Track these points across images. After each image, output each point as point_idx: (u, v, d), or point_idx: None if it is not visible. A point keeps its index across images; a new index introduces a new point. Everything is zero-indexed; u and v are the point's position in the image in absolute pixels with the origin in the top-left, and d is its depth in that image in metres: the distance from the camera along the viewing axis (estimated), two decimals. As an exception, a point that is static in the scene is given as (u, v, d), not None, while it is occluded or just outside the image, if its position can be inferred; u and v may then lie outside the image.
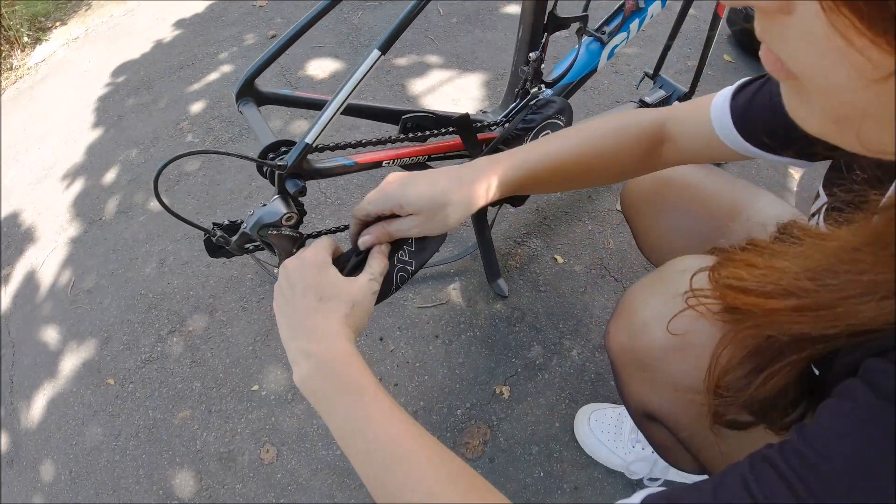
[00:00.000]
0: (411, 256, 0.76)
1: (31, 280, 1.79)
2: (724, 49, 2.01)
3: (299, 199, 0.89)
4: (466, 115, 1.06)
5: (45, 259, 1.81)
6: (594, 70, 1.39)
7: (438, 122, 1.11)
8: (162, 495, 1.31)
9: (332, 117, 0.84)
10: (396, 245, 0.73)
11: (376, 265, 0.66)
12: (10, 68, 2.64)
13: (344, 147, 0.96)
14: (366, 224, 0.70)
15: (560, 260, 1.50)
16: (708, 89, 1.68)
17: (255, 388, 1.39)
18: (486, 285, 1.47)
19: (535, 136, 1.19)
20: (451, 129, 1.11)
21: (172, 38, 2.43)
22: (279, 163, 0.84)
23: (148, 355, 1.50)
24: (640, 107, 1.67)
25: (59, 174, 2.05)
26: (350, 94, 0.84)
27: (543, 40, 1.17)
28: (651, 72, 1.67)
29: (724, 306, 0.50)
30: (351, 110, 1.08)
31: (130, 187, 1.88)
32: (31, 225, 1.94)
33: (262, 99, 1.01)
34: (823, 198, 0.60)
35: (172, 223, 1.73)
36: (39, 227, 1.92)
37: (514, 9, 2.20)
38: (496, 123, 1.20)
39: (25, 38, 2.69)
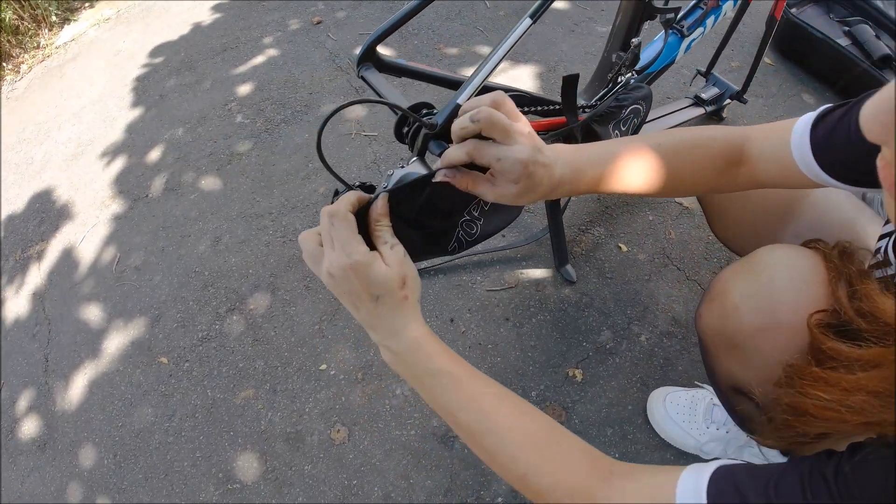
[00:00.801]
0: (481, 215, 0.72)
1: (68, 257, 1.68)
2: (766, 52, 2.01)
3: None
4: (576, 75, 1.00)
5: (85, 235, 1.70)
6: (673, 62, 1.35)
7: (534, 101, 1.06)
8: (221, 478, 1.21)
9: (482, 81, 0.79)
10: (464, 201, 0.68)
11: (382, 232, 0.58)
12: (37, 46, 2.50)
13: None
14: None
15: (624, 248, 1.46)
16: (754, 90, 1.66)
17: (323, 367, 1.31)
18: (553, 270, 1.41)
19: (626, 115, 1.16)
20: (556, 108, 1.07)
21: (212, 21, 2.33)
22: (430, 121, 0.77)
23: (205, 333, 1.41)
24: (696, 103, 1.65)
25: (97, 151, 1.93)
26: (501, 59, 0.80)
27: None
28: (704, 70, 1.66)
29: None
30: (446, 81, 1.02)
31: (178, 165, 1.78)
32: (68, 201, 1.83)
33: (383, 66, 0.94)
34: (893, 225, 0.63)
35: (225, 202, 1.64)
36: (77, 203, 1.80)
37: (561, 4, 2.16)
38: (590, 106, 1.15)
39: (53, 18, 2.56)
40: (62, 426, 1.36)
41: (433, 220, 0.69)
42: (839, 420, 0.45)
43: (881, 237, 0.68)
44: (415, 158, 0.78)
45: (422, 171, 0.75)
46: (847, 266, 0.63)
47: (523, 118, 0.58)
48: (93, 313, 1.52)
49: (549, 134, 1.00)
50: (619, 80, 1.23)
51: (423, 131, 0.78)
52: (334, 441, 1.21)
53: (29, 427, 1.40)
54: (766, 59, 1.96)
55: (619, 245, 1.46)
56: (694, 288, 1.39)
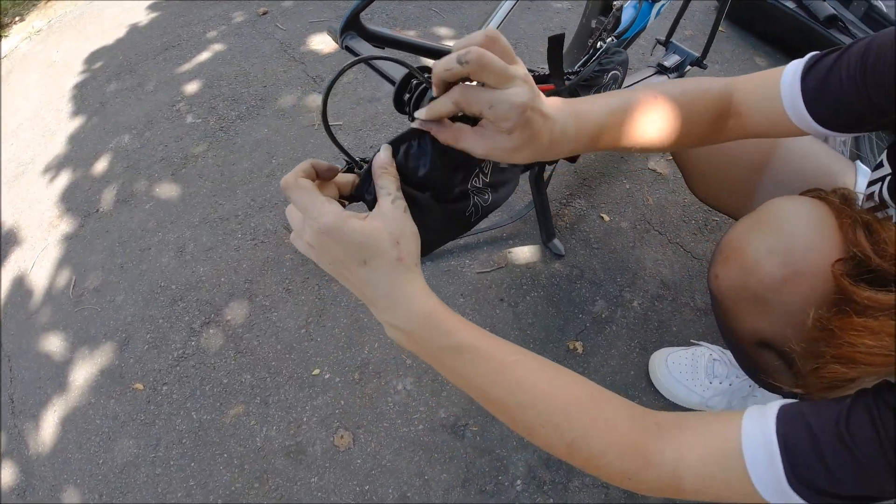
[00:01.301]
0: (485, 186, 0.66)
1: (20, 286, 1.47)
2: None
3: None
4: (562, 35, 0.91)
5: (36, 260, 1.49)
6: (644, 27, 1.29)
7: None
8: None
9: (504, 18, 0.69)
10: (467, 170, 0.61)
11: (385, 181, 0.49)
12: (-42, 66, 2.21)
13: None
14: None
15: (606, 218, 1.39)
16: (709, 56, 1.62)
17: (316, 371, 1.18)
18: (540, 246, 1.33)
19: (607, 81, 1.09)
20: (539, 75, 0.98)
21: (149, 22, 2.09)
22: None
23: (181, 352, 1.25)
24: (659, 70, 1.60)
25: (38, 169, 1.70)
26: (507, 14, 0.69)
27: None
28: (663, 39, 1.62)
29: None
30: (434, 52, 0.92)
31: (129, 175, 1.58)
32: (13, 226, 1.60)
33: (367, 35, 0.82)
34: (887, 168, 0.62)
35: (185, 208, 1.47)
36: (23, 227, 1.58)
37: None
38: (574, 72, 1.07)
39: (-25, 34, 2.26)
40: (39, 470, 1.18)
41: (442, 190, 0.59)
42: (889, 363, 0.43)
43: (871, 182, 0.67)
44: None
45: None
46: (857, 212, 0.62)
47: (519, 60, 0.48)
48: (54, 344, 1.33)
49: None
50: (599, 45, 1.15)
51: (429, 94, 0.67)
52: (339, 448, 1.10)
53: (5, 475, 1.20)
54: (720, 28, 1.94)
55: (602, 215, 1.39)
56: (677, 250, 1.34)
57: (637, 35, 1.28)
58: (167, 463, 1.13)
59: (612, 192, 1.43)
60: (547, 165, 1.25)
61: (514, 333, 1.21)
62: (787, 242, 0.63)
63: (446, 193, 0.62)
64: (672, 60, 1.60)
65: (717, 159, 0.93)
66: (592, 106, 0.55)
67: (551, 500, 1.04)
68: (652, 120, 0.59)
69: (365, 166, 0.56)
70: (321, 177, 0.49)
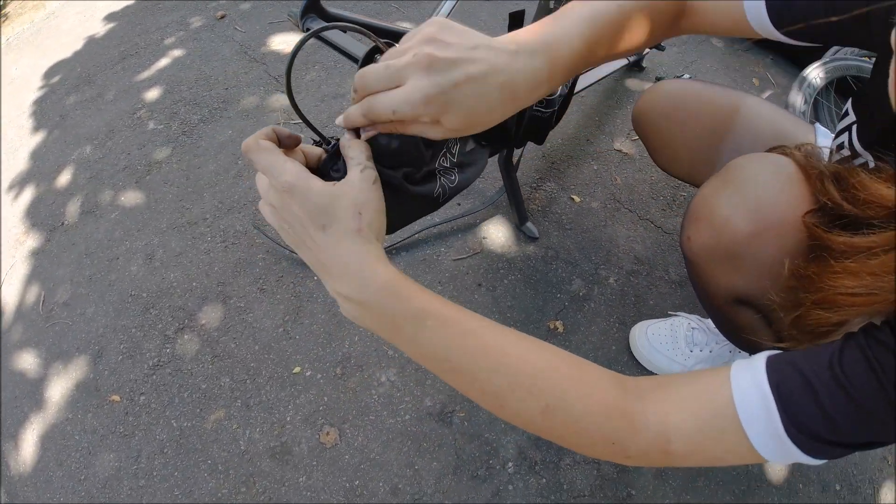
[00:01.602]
0: (453, 165, 0.63)
1: (-12, 305, 1.38)
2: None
3: None
4: (522, 11, 0.88)
5: (3, 278, 1.40)
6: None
7: None
8: (208, 511, 1.02)
9: (452, 8, 0.66)
10: (437, 147, 0.58)
11: (355, 151, 0.46)
12: None
13: None
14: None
15: (577, 199, 1.37)
16: (668, 39, 1.61)
17: (297, 370, 1.13)
18: (514, 230, 1.30)
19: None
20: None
21: (106, 32, 2.00)
22: None
23: (156, 360, 1.18)
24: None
25: (2, 187, 1.61)
26: (455, 4, 0.67)
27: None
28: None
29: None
30: (393, 34, 0.88)
31: (92, 185, 1.50)
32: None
33: (328, 17, 0.78)
34: (852, 116, 0.62)
35: (151, 215, 1.39)
36: (-12, 247, 1.49)
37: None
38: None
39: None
40: (22, 491, 1.11)
41: (414, 166, 0.56)
42: (872, 303, 0.42)
43: (839, 133, 0.66)
44: None
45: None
46: (821, 163, 0.61)
47: (414, 40, 0.43)
48: (27, 362, 1.25)
49: None
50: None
51: None
52: (325, 445, 1.05)
53: (-14, 499, 1.13)
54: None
55: (572, 196, 1.37)
56: (648, 226, 1.33)
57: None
58: (150, 474, 1.07)
59: (581, 174, 1.41)
60: (515, 149, 1.22)
61: (494, 317, 1.17)
62: (754, 197, 0.62)
63: (415, 173, 0.58)
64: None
65: (678, 129, 0.92)
66: (558, 35, 0.48)
67: (544, 480, 1.02)
68: (622, 37, 0.54)
69: (333, 142, 0.52)
70: (283, 144, 0.46)
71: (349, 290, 0.44)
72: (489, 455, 1.04)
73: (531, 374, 0.45)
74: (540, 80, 0.46)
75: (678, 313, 1.14)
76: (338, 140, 0.52)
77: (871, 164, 0.57)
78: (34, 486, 1.11)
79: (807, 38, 0.58)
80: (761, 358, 0.45)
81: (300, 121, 0.59)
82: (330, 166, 0.50)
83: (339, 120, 0.47)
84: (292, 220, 0.44)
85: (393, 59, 0.43)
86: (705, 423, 0.44)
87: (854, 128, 0.61)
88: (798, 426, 0.41)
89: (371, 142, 0.49)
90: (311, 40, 1.77)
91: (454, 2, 0.69)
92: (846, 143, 0.63)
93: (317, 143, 0.64)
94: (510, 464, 1.03)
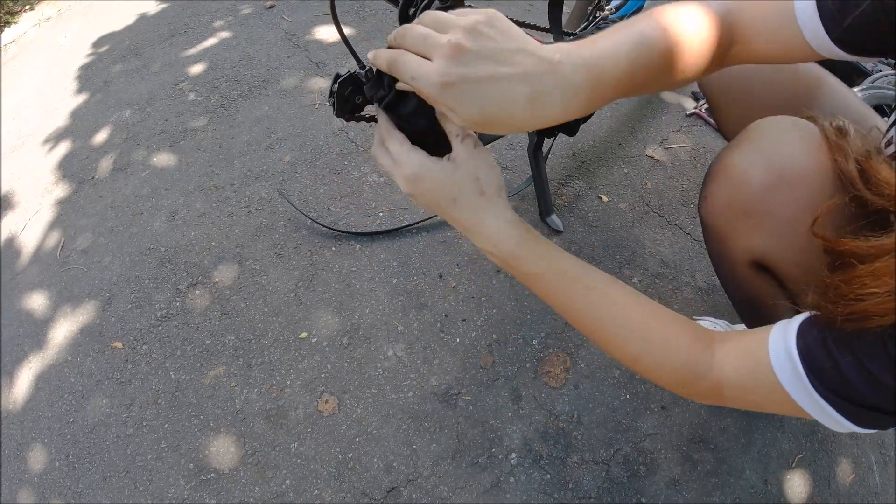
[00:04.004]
0: None
1: (9, 247, 1.38)
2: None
3: None
4: None
5: (27, 223, 1.40)
6: (642, 7, 1.26)
7: (520, 24, 0.93)
8: (193, 469, 0.97)
9: None
10: None
11: (451, 126, 0.50)
12: (-30, 52, 2.16)
13: None
14: None
15: (605, 199, 1.33)
16: None
17: (304, 335, 1.09)
18: (538, 222, 1.26)
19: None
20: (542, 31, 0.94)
21: (158, 11, 2.06)
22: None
23: (164, 312, 1.16)
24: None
25: (38, 140, 1.63)
26: None
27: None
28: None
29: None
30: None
31: (127, 145, 1.51)
32: (8, 192, 1.51)
33: None
34: None
35: (181, 176, 1.39)
36: (17, 193, 1.50)
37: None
38: (573, 34, 1.03)
39: (-11, 21, 2.23)
40: (7, 428, 1.08)
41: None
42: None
43: (889, 128, 0.63)
44: None
45: None
46: (847, 142, 0.58)
47: (464, 20, 0.42)
48: (37, 302, 1.24)
49: None
50: (598, 14, 1.13)
51: (435, 3, 0.62)
52: (322, 413, 1.00)
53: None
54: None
55: (600, 196, 1.33)
56: (676, 232, 1.28)
57: (636, 12, 1.25)
58: (139, 424, 1.03)
59: (611, 176, 1.38)
60: (546, 138, 1.20)
61: (510, 304, 1.13)
62: (770, 150, 0.61)
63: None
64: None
65: (754, 96, 0.84)
66: (606, 53, 0.45)
67: (548, 476, 0.95)
68: (668, 67, 0.49)
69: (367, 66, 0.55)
70: None
71: (489, 247, 0.51)
72: (492, 443, 0.97)
73: (630, 327, 0.53)
74: (577, 101, 0.43)
75: (702, 318, 1.09)
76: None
77: None
78: (20, 425, 1.08)
79: (862, 47, 0.52)
80: (798, 320, 0.47)
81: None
82: (375, 90, 0.53)
83: (371, 55, 0.49)
84: (426, 201, 0.51)
85: (439, 28, 0.43)
86: (748, 379, 0.49)
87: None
88: (827, 387, 0.43)
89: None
90: (352, 12, 1.78)
91: None
92: (893, 136, 0.60)
93: (350, 72, 0.63)
94: (513, 454, 0.97)
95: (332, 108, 0.68)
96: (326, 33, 1.76)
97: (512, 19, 0.87)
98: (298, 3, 1.94)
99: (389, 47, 0.47)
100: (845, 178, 0.54)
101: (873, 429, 0.45)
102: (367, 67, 0.64)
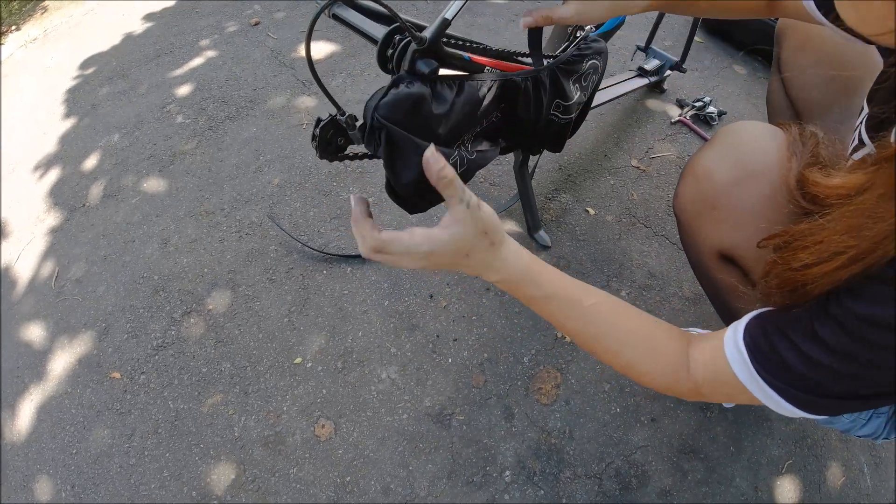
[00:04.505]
0: (470, 150, 0.75)
1: (4, 278, 1.39)
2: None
3: None
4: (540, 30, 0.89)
5: (21, 253, 1.41)
6: (622, 22, 1.27)
7: (499, 53, 0.95)
8: (196, 497, 0.99)
9: (461, 7, 0.67)
10: (457, 132, 0.71)
11: (450, 191, 0.51)
12: (-46, 74, 2.15)
13: (465, 44, 0.79)
14: None
15: (592, 211, 1.34)
16: (688, 65, 1.60)
17: (298, 360, 1.11)
18: (526, 238, 1.28)
19: (586, 70, 1.06)
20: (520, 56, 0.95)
21: (144, 31, 2.06)
22: (421, 35, 0.62)
23: (160, 341, 1.17)
24: (640, 74, 1.59)
25: (29, 167, 1.63)
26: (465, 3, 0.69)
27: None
28: (643, 45, 1.61)
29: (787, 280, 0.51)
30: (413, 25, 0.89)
31: (116, 171, 1.51)
32: (2, 220, 1.53)
33: (352, 4, 0.79)
34: (866, 109, 0.64)
35: (171, 202, 1.40)
36: (11, 223, 1.50)
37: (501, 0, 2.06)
38: (554, 56, 1.04)
39: (-28, 44, 2.21)
40: (13, 460, 1.09)
41: (437, 140, 0.66)
42: (827, 272, 0.45)
43: (856, 129, 0.67)
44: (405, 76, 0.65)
45: (422, 89, 0.64)
46: (806, 149, 0.63)
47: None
48: (34, 333, 1.25)
49: (519, 74, 0.87)
50: (579, 34, 1.13)
51: (412, 47, 0.63)
52: (320, 438, 1.02)
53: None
54: (696, 38, 1.94)
55: (587, 209, 1.35)
56: (663, 243, 1.29)
57: (616, 28, 1.26)
58: (141, 453, 1.04)
59: (597, 188, 1.39)
60: (531, 156, 1.21)
61: (500, 322, 1.15)
62: (737, 151, 0.67)
63: (447, 139, 0.69)
64: (652, 64, 1.59)
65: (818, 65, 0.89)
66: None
67: (542, 492, 0.97)
68: None
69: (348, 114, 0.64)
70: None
71: (498, 278, 0.57)
72: (486, 461, 1.00)
73: (620, 340, 0.60)
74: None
75: (692, 329, 1.10)
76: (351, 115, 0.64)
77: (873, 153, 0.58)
78: (25, 456, 1.09)
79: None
80: (749, 316, 0.53)
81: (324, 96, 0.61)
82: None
83: (528, 20, 0.76)
84: (441, 264, 0.55)
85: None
86: (713, 374, 0.55)
87: (864, 119, 0.62)
88: (769, 373, 0.49)
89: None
90: (334, 45, 1.79)
91: (462, 1, 0.69)
92: (856, 137, 0.64)
93: (332, 116, 0.65)
94: (507, 472, 0.99)
95: (315, 150, 0.70)
96: (313, 50, 1.77)
97: (489, 47, 0.88)
98: (284, 20, 1.94)
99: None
100: (787, 184, 0.60)
101: (819, 413, 0.49)
102: (347, 114, 0.66)
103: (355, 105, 1.59)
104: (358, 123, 0.67)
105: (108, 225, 1.39)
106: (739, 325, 0.53)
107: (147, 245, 1.33)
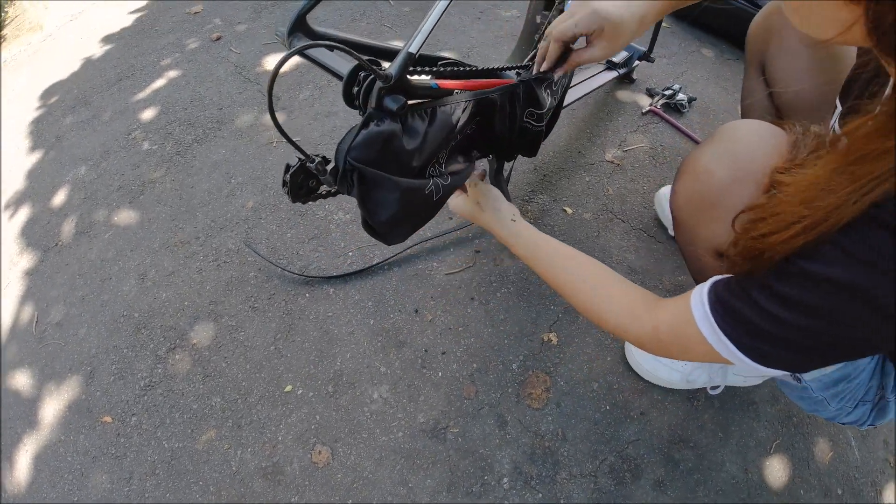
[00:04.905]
0: (440, 175, 0.78)
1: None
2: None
3: None
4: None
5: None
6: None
7: (471, 73, 0.94)
8: (199, 533, 0.99)
9: (432, 28, 0.65)
10: (430, 155, 0.73)
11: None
12: None
13: (434, 71, 0.78)
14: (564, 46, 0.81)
15: (569, 211, 1.35)
16: (657, 51, 1.60)
17: (289, 388, 1.11)
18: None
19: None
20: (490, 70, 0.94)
21: (103, 54, 1.99)
22: (386, 72, 0.61)
23: (147, 381, 1.16)
24: (609, 67, 1.58)
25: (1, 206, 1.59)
26: (441, 15, 0.68)
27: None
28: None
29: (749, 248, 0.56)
30: (383, 51, 0.87)
31: (86, 205, 1.48)
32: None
33: (315, 36, 0.78)
34: (839, 107, 0.68)
35: (145, 234, 1.38)
36: (-17, 266, 1.47)
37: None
38: (523, 66, 1.02)
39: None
40: None
41: (411, 173, 0.69)
42: (784, 239, 0.49)
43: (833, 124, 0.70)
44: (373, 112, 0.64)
45: (392, 126, 0.64)
46: (804, 148, 0.64)
47: None
48: (21, 382, 1.23)
49: (496, 90, 0.86)
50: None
51: (378, 85, 0.62)
52: (317, 464, 1.02)
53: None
54: (663, 24, 1.93)
55: (564, 208, 1.35)
56: (641, 236, 1.30)
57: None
58: (142, 496, 1.04)
59: (573, 186, 1.40)
60: (506, 162, 1.20)
61: (487, 331, 1.15)
62: (736, 150, 0.68)
63: (419, 168, 0.71)
64: (621, 56, 1.58)
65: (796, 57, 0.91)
66: None
67: (540, 495, 0.99)
68: None
69: (318, 159, 0.65)
70: None
71: (500, 237, 0.86)
72: (484, 471, 1.01)
73: (593, 293, 0.72)
74: (642, 14, 0.76)
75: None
76: (323, 157, 0.65)
77: None
78: (25, 509, 1.08)
79: None
80: (715, 278, 0.58)
81: (286, 140, 0.60)
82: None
83: (543, 66, 0.85)
84: (467, 216, 0.92)
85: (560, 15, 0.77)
86: (677, 323, 0.60)
87: (838, 115, 0.65)
88: (729, 325, 0.53)
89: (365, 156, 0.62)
90: (299, 60, 1.76)
91: (437, 19, 0.68)
92: (832, 126, 0.68)
93: (300, 160, 0.63)
94: (505, 479, 1.00)
95: (287, 195, 0.69)
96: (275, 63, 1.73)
97: (460, 63, 0.88)
98: (245, 33, 1.90)
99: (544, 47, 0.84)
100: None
101: (773, 366, 0.53)
102: (317, 160, 0.65)
103: (324, 118, 1.56)
104: (329, 166, 0.66)
105: (83, 263, 1.37)
106: (706, 284, 0.58)
107: (124, 282, 1.31)
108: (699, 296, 0.57)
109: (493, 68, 0.96)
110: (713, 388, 1.06)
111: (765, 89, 0.99)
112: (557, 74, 0.86)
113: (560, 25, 0.77)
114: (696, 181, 0.72)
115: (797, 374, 0.78)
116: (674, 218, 0.80)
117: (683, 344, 0.59)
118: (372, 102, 0.64)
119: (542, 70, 0.84)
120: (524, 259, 0.83)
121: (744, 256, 0.55)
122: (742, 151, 0.67)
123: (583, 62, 0.81)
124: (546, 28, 1.06)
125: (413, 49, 0.64)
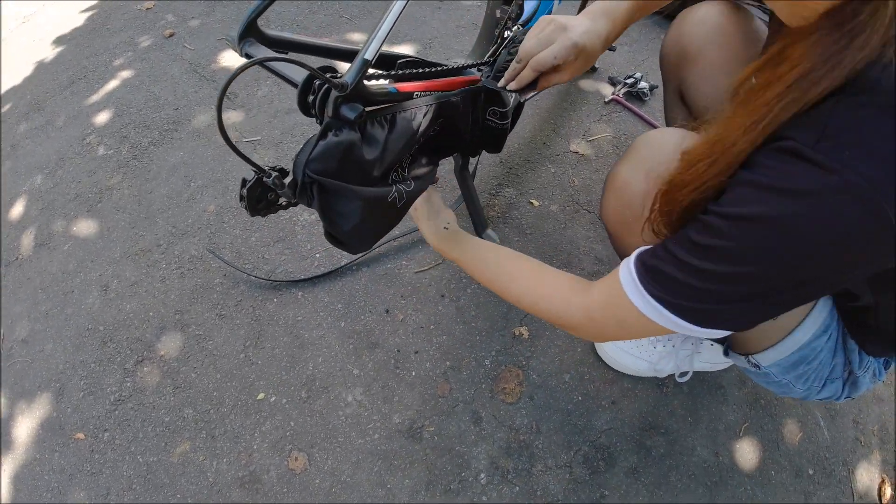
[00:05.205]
0: (403, 180, 0.78)
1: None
2: None
3: None
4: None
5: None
6: (550, 11, 1.24)
7: (425, 66, 0.92)
8: (179, 546, 0.99)
9: (388, 32, 0.64)
10: (388, 167, 0.73)
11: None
12: None
13: (392, 75, 0.78)
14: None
15: (536, 203, 1.35)
16: (619, 40, 1.59)
17: (261, 396, 1.10)
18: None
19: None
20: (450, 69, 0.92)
21: (55, 56, 1.91)
22: (341, 80, 0.59)
23: (117, 395, 1.14)
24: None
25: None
26: (405, 6, 0.66)
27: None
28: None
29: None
30: (339, 52, 0.85)
31: (44, 216, 1.43)
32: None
33: (267, 41, 0.75)
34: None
35: (105, 244, 1.34)
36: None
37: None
38: (485, 63, 1.01)
39: None
40: None
41: (372, 182, 0.69)
42: (693, 178, 0.52)
43: None
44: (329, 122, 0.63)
45: (351, 136, 0.63)
46: None
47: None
48: (-12, 403, 1.19)
49: (459, 92, 0.85)
50: (507, 34, 1.11)
51: (333, 94, 0.60)
52: (294, 471, 1.02)
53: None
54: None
55: (531, 201, 1.35)
56: (608, 224, 1.31)
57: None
58: (119, 513, 1.03)
59: (539, 178, 1.40)
60: (470, 157, 1.20)
61: (458, 328, 1.15)
62: (648, 161, 0.71)
63: (381, 176, 0.71)
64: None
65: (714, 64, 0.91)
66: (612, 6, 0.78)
67: (517, 488, 1.00)
68: None
69: (274, 174, 0.62)
70: None
71: (436, 248, 0.88)
72: (461, 468, 1.02)
73: (527, 290, 0.73)
74: (607, 34, 0.78)
75: (640, 312, 1.14)
76: (280, 169, 0.63)
77: None
78: (3, 532, 1.06)
79: None
80: (641, 248, 0.59)
81: (237, 153, 0.58)
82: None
83: (513, 85, 0.82)
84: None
85: (533, 37, 0.77)
86: (608, 296, 0.61)
87: None
88: (654, 286, 0.54)
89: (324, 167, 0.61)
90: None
91: (393, 22, 0.66)
92: None
93: (256, 174, 0.61)
94: (482, 475, 1.01)
95: (245, 210, 0.67)
96: (232, 59, 1.68)
97: (419, 60, 0.86)
98: (199, 28, 1.83)
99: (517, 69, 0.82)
100: None
101: (714, 327, 0.52)
102: (274, 174, 0.63)
103: (284, 115, 1.53)
104: (287, 179, 0.64)
105: (45, 277, 1.32)
106: (633, 255, 0.59)
107: (87, 294, 1.27)
108: (626, 267, 0.57)
109: (454, 67, 0.94)
110: (681, 374, 1.08)
111: (686, 115, 1.00)
112: (526, 96, 0.86)
113: (540, 56, 0.75)
114: (618, 196, 0.75)
115: (755, 360, 0.79)
116: (606, 231, 0.83)
117: (619, 319, 0.59)
118: (329, 111, 0.63)
119: (510, 90, 0.83)
120: (459, 264, 0.84)
121: (661, 211, 0.57)
122: (655, 159, 0.68)
123: (552, 85, 0.81)
124: (513, 35, 1.05)
125: (369, 55, 0.63)
